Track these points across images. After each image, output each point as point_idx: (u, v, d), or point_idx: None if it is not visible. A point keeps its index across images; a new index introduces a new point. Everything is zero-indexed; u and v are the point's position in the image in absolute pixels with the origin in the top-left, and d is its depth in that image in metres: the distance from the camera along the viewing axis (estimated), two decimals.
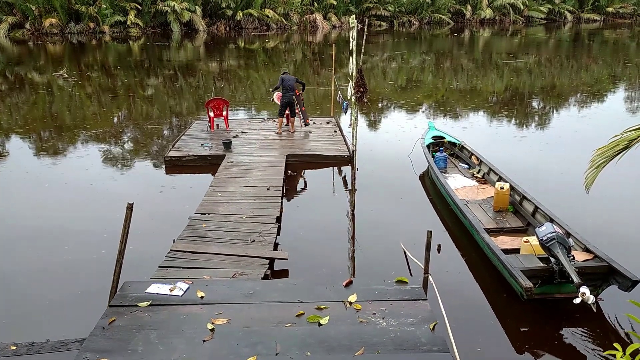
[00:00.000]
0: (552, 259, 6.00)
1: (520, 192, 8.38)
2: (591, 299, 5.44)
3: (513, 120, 16.34)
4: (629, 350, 3.19)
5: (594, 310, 5.60)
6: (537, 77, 24.73)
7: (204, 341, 4.61)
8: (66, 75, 23.98)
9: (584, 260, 6.30)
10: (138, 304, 5.16)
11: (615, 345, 3.35)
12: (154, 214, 8.76)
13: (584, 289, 5.46)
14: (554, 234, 5.95)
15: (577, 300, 5.46)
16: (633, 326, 5.71)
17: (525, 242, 6.77)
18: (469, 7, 57.93)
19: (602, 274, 6.09)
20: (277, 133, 13.39)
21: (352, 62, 9.48)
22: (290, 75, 13.10)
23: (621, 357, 3.23)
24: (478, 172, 10.21)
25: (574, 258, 6.03)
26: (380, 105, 18.97)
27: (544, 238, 6.00)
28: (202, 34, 46.41)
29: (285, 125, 13.66)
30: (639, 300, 3.82)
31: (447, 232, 8.29)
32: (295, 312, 5.03)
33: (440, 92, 21.69)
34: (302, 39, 46.03)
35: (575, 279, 5.58)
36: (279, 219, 8.29)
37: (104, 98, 20.32)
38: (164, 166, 11.51)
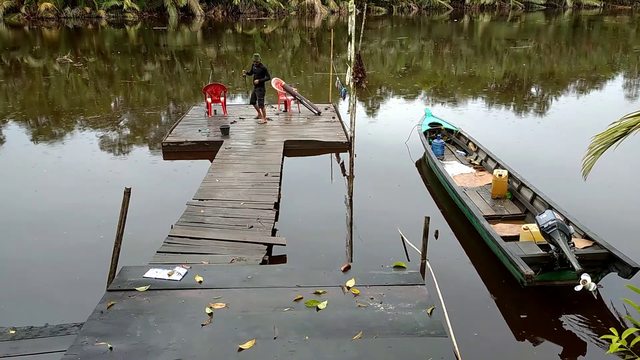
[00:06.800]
0: (552, 246, 5.99)
1: (519, 179, 8.37)
2: (592, 286, 5.42)
3: (511, 107, 16.30)
4: (625, 334, 3.21)
5: (595, 297, 5.61)
6: (536, 64, 24.63)
7: (202, 325, 4.62)
8: (71, 60, 23.80)
9: (584, 247, 6.30)
10: (136, 289, 5.16)
11: (612, 330, 3.37)
12: (151, 200, 8.75)
13: (585, 276, 5.45)
14: (555, 221, 5.93)
15: (578, 288, 5.46)
16: (628, 311, 5.75)
17: (524, 229, 6.76)
18: None
19: (602, 261, 6.09)
20: (263, 122, 13.18)
21: (351, 48, 9.42)
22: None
23: (617, 342, 3.25)
24: (475, 159, 10.20)
25: (574, 245, 6.03)
26: (378, 91, 18.90)
27: (545, 225, 5.98)
28: (199, 19, 46.04)
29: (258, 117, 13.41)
30: (636, 286, 3.84)
31: (444, 219, 8.30)
32: (294, 296, 5.04)
33: (439, 78, 21.61)
34: (300, 24, 45.70)
35: (577, 266, 5.58)
36: (277, 205, 8.29)
37: (103, 83, 20.20)
38: (161, 152, 11.48)
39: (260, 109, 13.08)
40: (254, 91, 12.81)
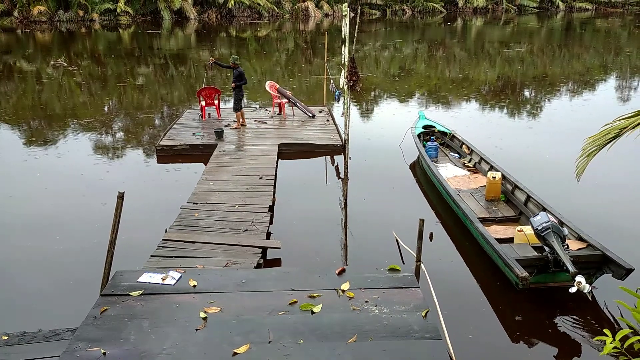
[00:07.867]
0: (547, 248, 6.01)
1: (512, 182, 8.39)
2: (587, 287, 5.45)
3: (505, 109, 16.36)
4: (619, 336, 3.23)
5: (589, 299, 5.63)
6: (529, 66, 24.74)
7: (196, 330, 4.60)
8: (65, 64, 23.72)
9: (578, 249, 6.32)
10: (130, 293, 5.14)
11: (605, 331, 3.39)
12: (145, 204, 8.71)
13: (579, 278, 5.47)
14: (549, 223, 5.95)
15: (573, 289, 5.48)
16: (622, 312, 5.77)
17: (519, 231, 6.78)
18: None
19: (596, 263, 6.11)
20: (236, 128, 13.00)
21: (345, 51, 9.43)
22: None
23: (611, 343, 3.27)
24: (469, 162, 10.23)
25: (568, 247, 6.05)
26: (372, 94, 18.93)
27: (539, 227, 5.99)
28: (193, 22, 46.00)
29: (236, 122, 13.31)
30: (629, 287, 3.86)
31: (439, 221, 8.31)
32: (288, 300, 5.03)
33: (433, 81, 21.67)
34: (294, 27, 45.75)
35: (571, 268, 5.60)
36: (271, 208, 8.27)
37: (97, 86, 20.12)
38: (155, 155, 11.44)
39: (235, 113, 12.99)
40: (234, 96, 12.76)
